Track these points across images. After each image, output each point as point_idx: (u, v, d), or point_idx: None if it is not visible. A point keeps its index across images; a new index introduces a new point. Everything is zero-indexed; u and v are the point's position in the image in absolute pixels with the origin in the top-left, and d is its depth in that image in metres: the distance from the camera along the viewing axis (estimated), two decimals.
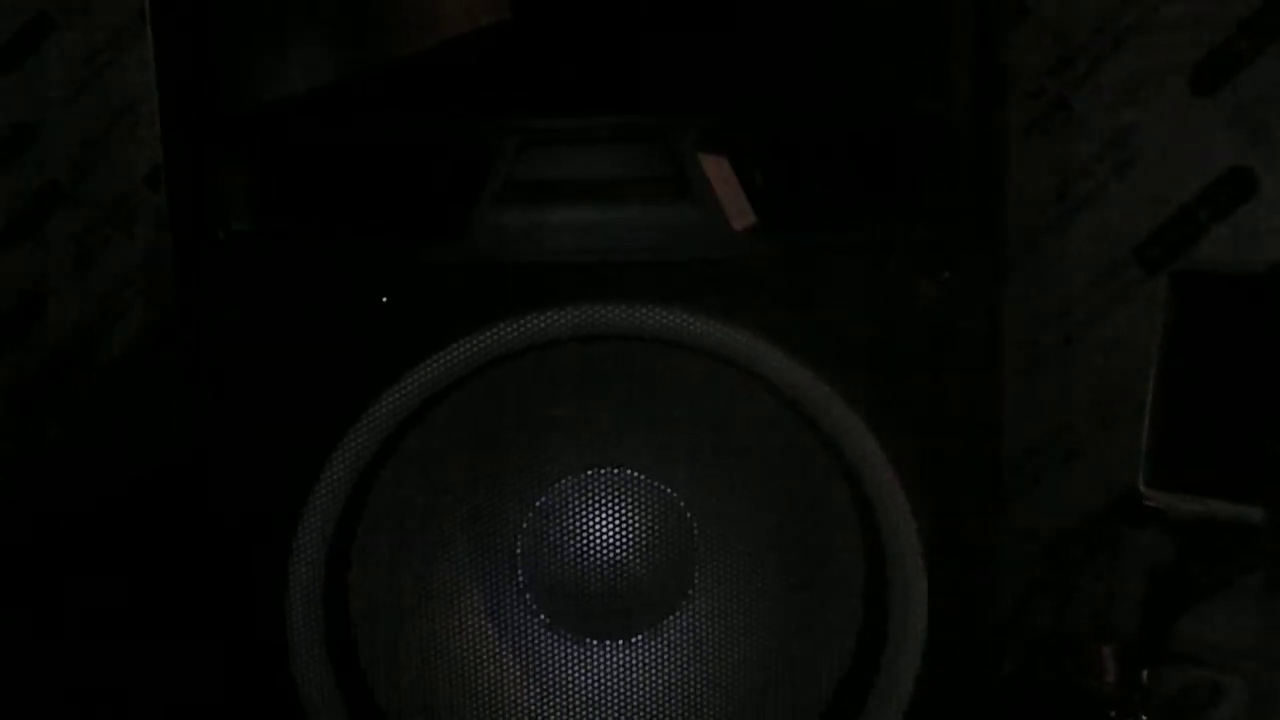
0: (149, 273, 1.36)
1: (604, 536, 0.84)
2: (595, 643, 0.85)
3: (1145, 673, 1.09)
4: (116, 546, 1.28)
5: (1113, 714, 1.08)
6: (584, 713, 0.85)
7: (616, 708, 0.85)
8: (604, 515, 0.84)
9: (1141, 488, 1.09)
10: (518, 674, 0.85)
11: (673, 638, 0.85)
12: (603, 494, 0.84)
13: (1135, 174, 1.24)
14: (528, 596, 0.85)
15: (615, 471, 0.84)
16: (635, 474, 0.84)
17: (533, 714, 0.85)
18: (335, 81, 0.81)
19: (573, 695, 0.85)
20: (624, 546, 0.84)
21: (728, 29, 0.84)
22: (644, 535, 0.84)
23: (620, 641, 0.85)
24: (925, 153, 0.84)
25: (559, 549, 0.84)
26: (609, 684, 0.85)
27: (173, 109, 0.80)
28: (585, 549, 0.84)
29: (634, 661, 0.85)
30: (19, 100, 1.35)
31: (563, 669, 0.85)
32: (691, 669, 0.85)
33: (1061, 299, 1.26)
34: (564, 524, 0.84)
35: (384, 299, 0.79)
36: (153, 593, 1.21)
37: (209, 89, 0.80)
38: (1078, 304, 1.27)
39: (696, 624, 0.85)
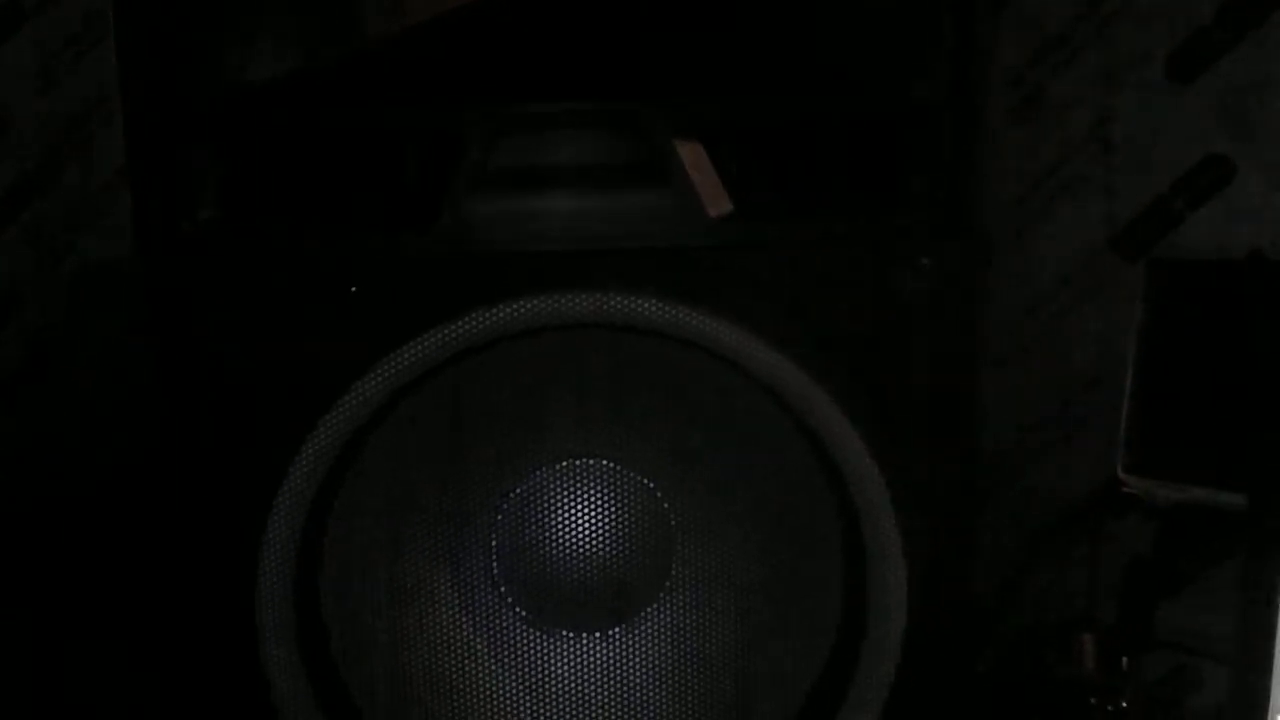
0: (124, 265, 1.34)
1: (580, 528, 0.83)
2: (571, 636, 0.84)
3: (1125, 660, 1.09)
4: (90, 545, 1.27)
5: (1093, 701, 1.08)
6: (561, 706, 0.84)
7: (594, 701, 0.84)
8: (580, 507, 0.83)
9: (1120, 475, 1.09)
10: (493, 667, 0.84)
11: (650, 630, 0.84)
12: (578, 485, 0.83)
13: (1113, 162, 1.24)
14: (502, 589, 0.84)
15: (591, 462, 0.83)
16: (611, 465, 0.83)
17: (508, 707, 0.84)
18: (305, 66, 0.80)
19: (549, 688, 0.84)
20: (600, 538, 0.83)
21: (704, 14, 0.83)
22: (620, 527, 0.83)
23: (597, 634, 0.84)
24: (905, 140, 0.83)
25: (534, 541, 0.83)
26: (586, 677, 0.84)
27: (137, 95, 0.78)
28: (561, 541, 0.83)
29: (611, 654, 0.84)
30: None
31: (539, 662, 0.84)
32: (669, 661, 0.84)
33: (1039, 288, 1.26)
34: (539, 516, 0.83)
35: (352, 289, 0.78)
36: (125, 590, 1.19)
37: (174, 74, 0.78)
38: (1055, 293, 1.26)
39: (674, 616, 0.84)
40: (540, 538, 0.83)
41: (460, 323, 0.77)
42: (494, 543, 0.83)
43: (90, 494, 1.27)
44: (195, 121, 0.80)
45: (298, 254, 0.80)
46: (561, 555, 0.83)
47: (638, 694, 0.84)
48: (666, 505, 0.84)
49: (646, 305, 0.78)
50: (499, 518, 0.83)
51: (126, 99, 0.78)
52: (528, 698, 0.84)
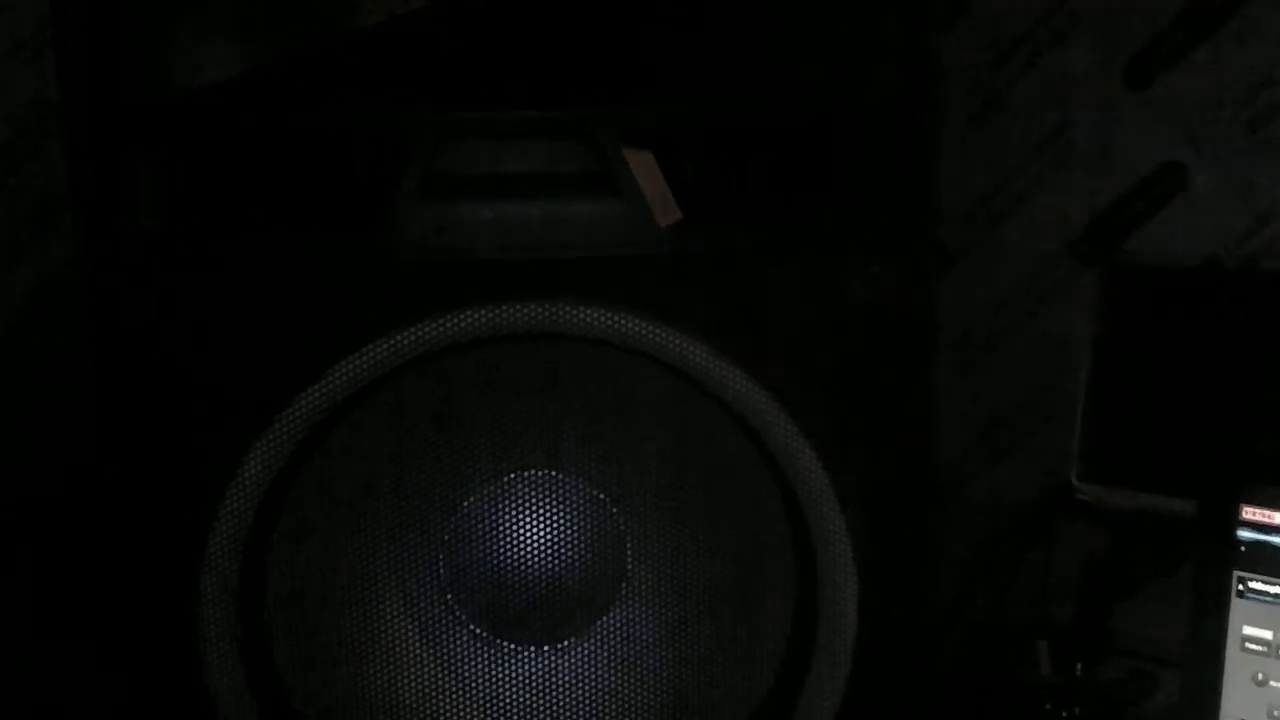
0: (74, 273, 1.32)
1: (530, 541, 0.82)
2: (522, 649, 0.83)
3: (1080, 665, 1.10)
4: (39, 554, 1.25)
5: (1048, 707, 1.09)
6: (510, 719, 0.83)
7: (544, 715, 0.83)
8: (530, 519, 0.82)
9: (1074, 481, 1.09)
10: (441, 680, 0.83)
11: (602, 643, 0.83)
12: (528, 497, 0.82)
13: (1070, 168, 1.24)
14: (451, 603, 0.83)
15: (541, 474, 0.82)
16: (561, 476, 0.82)
17: None
18: (250, 69, 0.79)
19: (499, 702, 0.83)
20: (551, 551, 0.82)
21: (654, 19, 0.83)
22: (571, 539, 0.82)
23: (547, 648, 0.84)
24: (854, 145, 0.83)
25: (484, 554, 0.82)
26: (536, 691, 0.83)
27: (78, 100, 0.77)
28: (510, 554, 0.82)
29: (562, 667, 0.83)
30: None
31: (489, 676, 0.83)
32: (621, 673, 0.84)
33: (996, 293, 1.27)
34: (489, 529, 0.82)
35: (301, 295, 0.76)
36: (70, 601, 1.18)
37: (115, 75, 0.77)
38: (1013, 298, 1.27)
39: (626, 628, 0.83)
40: (490, 551, 0.82)
41: (404, 334, 0.76)
42: (443, 556, 0.82)
43: (41, 503, 1.25)
44: (137, 122, 0.78)
45: (241, 260, 0.78)
46: (511, 568, 0.82)
47: (588, 707, 0.84)
48: (618, 516, 0.83)
49: (593, 315, 0.77)
50: (447, 532, 0.82)
51: (67, 104, 0.77)
52: (476, 710, 0.83)
